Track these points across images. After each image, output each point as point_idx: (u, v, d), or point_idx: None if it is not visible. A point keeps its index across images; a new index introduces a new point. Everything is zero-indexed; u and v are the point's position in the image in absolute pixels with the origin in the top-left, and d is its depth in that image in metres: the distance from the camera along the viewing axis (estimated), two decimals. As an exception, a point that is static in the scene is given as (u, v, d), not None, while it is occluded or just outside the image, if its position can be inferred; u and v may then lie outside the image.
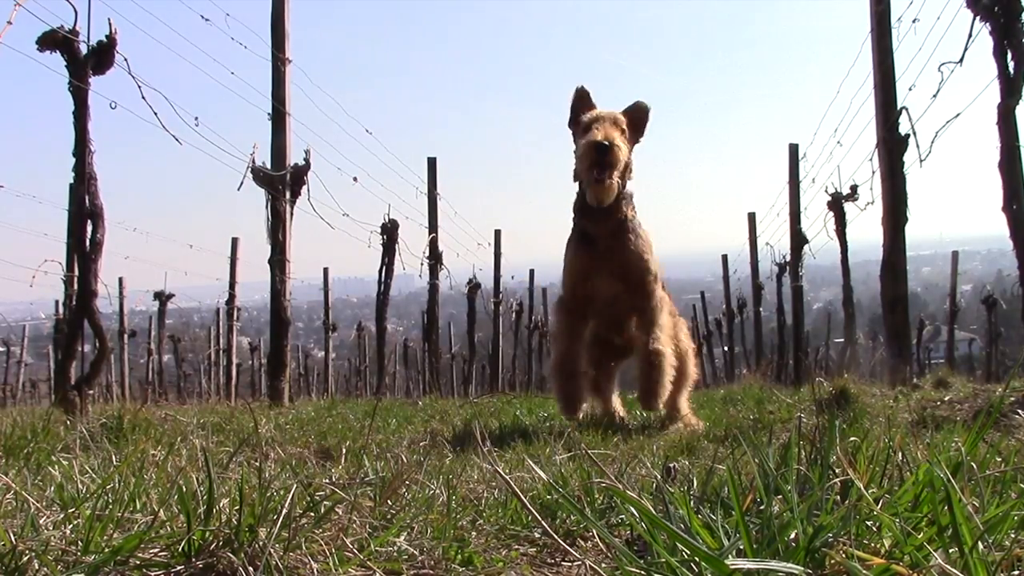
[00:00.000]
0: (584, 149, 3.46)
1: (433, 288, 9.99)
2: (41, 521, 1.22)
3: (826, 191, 7.56)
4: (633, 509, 1.11)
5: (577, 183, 3.73)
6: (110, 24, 3.82)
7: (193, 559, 1.09)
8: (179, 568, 1.08)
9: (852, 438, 1.56)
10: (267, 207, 6.28)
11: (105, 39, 3.83)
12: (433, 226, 10.00)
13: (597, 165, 3.43)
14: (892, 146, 5.83)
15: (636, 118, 3.70)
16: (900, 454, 1.39)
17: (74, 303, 3.92)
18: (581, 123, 3.62)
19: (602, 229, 3.66)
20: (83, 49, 3.80)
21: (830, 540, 1.03)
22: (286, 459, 2.14)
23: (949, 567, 0.88)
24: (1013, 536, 1.05)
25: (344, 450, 1.86)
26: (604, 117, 3.56)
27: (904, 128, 5.76)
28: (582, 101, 3.71)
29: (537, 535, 1.38)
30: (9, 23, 3.59)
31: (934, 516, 1.01)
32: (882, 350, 6.46)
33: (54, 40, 3.73)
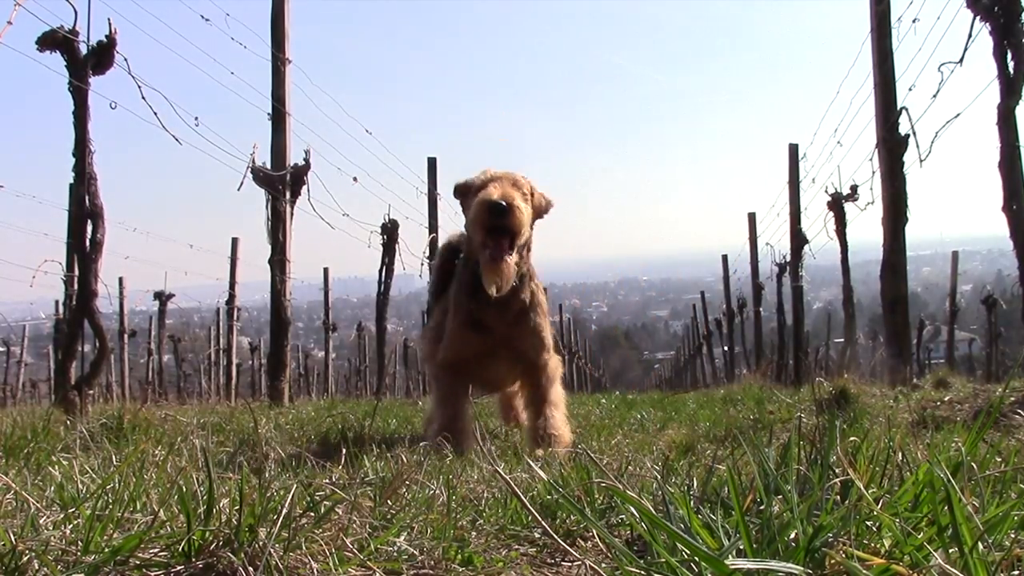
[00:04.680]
0: (477, 209, 2.77)
1: (433, 288, 9.98)
2: (41, 521, 1.22)
3: (826, 191, 7.56)
4: (633, 509, 1.11)
5: (465, 259, 3.17)
6: (110, 24, 3.83)
7: (193, 559, 1.09)
8: (179, 568, 1.08)
9: (852, 438, 1.56)
10: (267, 207, 6.28)
11: (105, 39, 3.83)
12: (433, 226, 10.00)
13: (493, 234, 2.79)
14: (892, 146, 5.84)
15: (537, 192, 3.12)
16: (900, 454, 1.39)
17: (74, 303, 3.92)
18: (472, 186, 2.97)
19: (499, 319, 3.07)
20: (83, 49, 3.80)
21: (830, 540, 1.03)
22: (286, 459, 2.14)
23: (949, 567, 0.88)
24: (1013, 536, 1.05)
25: (344, 450, 1.86)
26: (503, 177, 2.94)
27: (904, 128, 5.76)
28: (465, 187, 3.10)
29: (537, 535, 1.38)
30: (9, 23, 3.59)
31: (934, 516, 1.01)
32: (882, 350, 6.46)
33: (54, 40, 3.73)
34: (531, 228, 3.02)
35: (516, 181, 2.96)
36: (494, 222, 2.76)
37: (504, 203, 2.74)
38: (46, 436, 2.60)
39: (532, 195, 3.04)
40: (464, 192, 3.07)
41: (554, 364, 3.24)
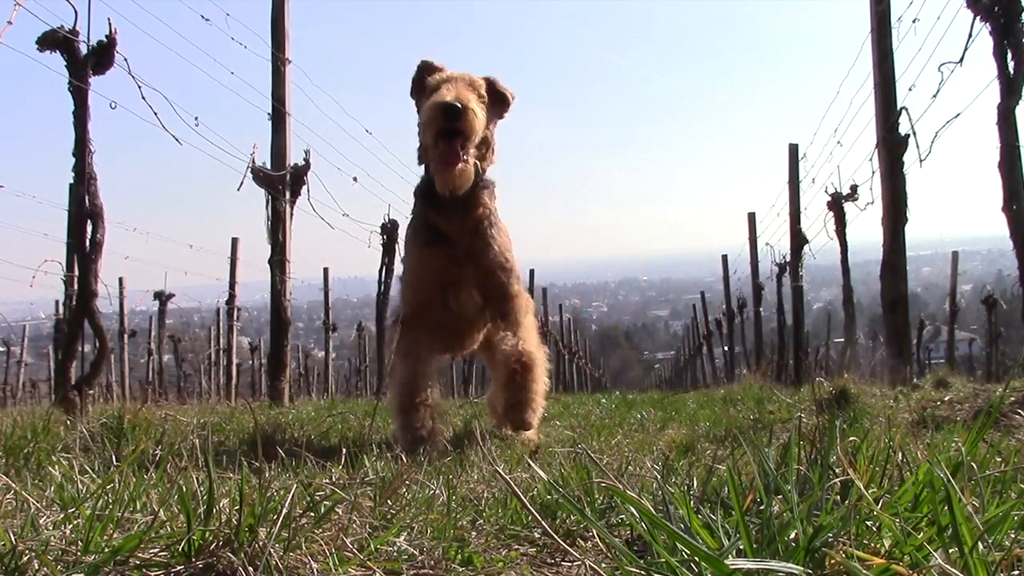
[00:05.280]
0: (429, 112, 2.67)
1: (433, 288, 9.96)
2: (41, 521, 1.22)
3: (826, 191, 7.56)
4: (633, 509, 1.11)
5: (423, 165, 3.00)
6: (110, 24, 3.83)
7: (193, 559, 1.09)
8: (179, 568, 1.08)
9: (852, 438, 1.56)
10: (267, 207, 6.28)
11: (105, 39, 3.83)
12: (433, 226, 9.98)
13: (446, 136, 2.69)
14: (892, 146, 5.83)
15: (497, 88, 3.00)
16: (900, 454, 1.39)
17: (74, 303, 3.92)
18: (427, 87, 2.83)
19: (459, 226, 2.90)
20: (83, 49, 3.80)
21: (830, 540, 1.03)
22: (286, 459, 2.14)
23: (949, 567, 0.88)
24: (1013, 536, 1.05)
25: (344, 450, 1.86)
26: (457, 77, 2.83)
27: (904, 128, 5.76)
28: (428, 70, 2.95)
29: (537, 535, 1.38)
30: (9, 23, 3.59)
31: (934, 516, 1.01)
32: (882, 350, 6.46)
33: (54, 40, 3.73)
34: (492, 127, 2.92)
35: (472, 82, 2.85)
36: (447, 124, 2.66)
37: (458, 104, 2.62)
38: (46, 436, 2.60)
39: (490, 94, 2.91)
40: (419, 90, 2.94)
41: (526, 299, 3.07)
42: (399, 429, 2.82)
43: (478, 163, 2.83)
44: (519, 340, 2.85)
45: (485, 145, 2.90)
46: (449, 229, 2.91)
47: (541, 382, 2.87)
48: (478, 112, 2.71)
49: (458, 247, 2.92)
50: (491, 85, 2.95)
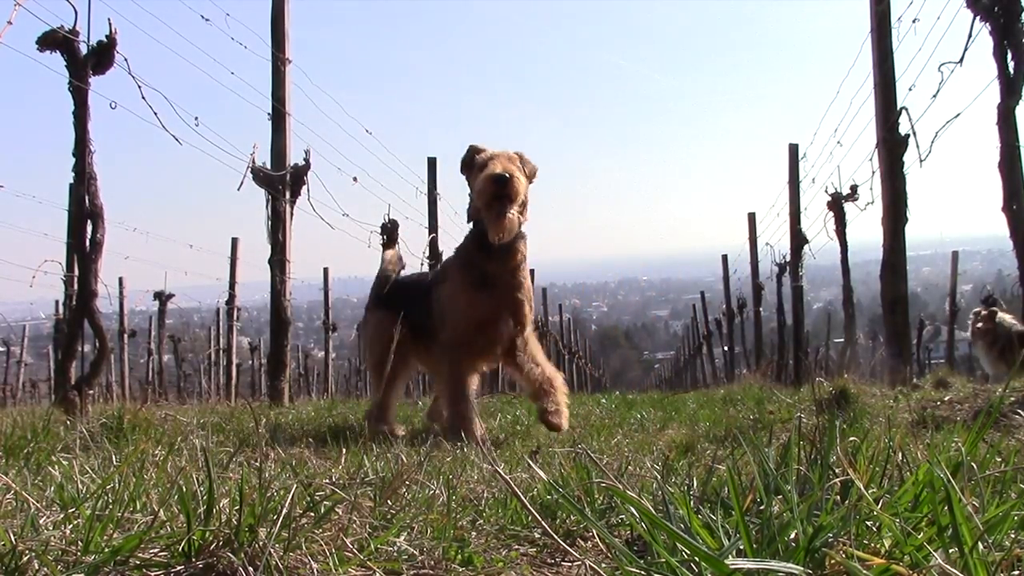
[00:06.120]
0: (483, 183, 3.45)
1: (433, 288, 9.95)
2: (41, 521, 1.22)
3: (826, 191, 7.55)
4: (633, 509, 1.11)
5: (472, 223, 3.75)
6: (110, 24, 3.83)
7: (193, 559, 1.09)
8: (179, 568, 1.08)
9: (852, 438, 1.56)
10: (267, 207, 6.28)
11: (105, 39, 3.83)
12: (433, 226, 9.99)
13: (497, 199, 3.43)
14: (892, 146, 5.83)
15: (524, 159, 3.73)
16: (900, 454, 1.39)
17: (74, 303, 3.92)
18: (476, 163, 3.63)
19: (502, 269, 3.66)
20: (83, 49, 3.80)
21: (830, 540, 1.03)
22: (286, 459, 2.14)
23: (949, 567, 0.88)
24: (1013, 536, 1.05)
25: (344, 450, 1.86)
26: (500, 155, 3.60)
27: (904, 128, 5.76)
28: (475, 151, 3.74)
29: (537, 535, 1.38)
30: (9, 23, 3.59)
31: (934, 516, 1.01)
32: (882, 350, 6.46)
33: (54, 40, 3.73)
34: (526, 191, 3.63)
35: (511, 156, 3.62)
36: (499, 191, 3.42)
37: (506, 175, 3.42)
38: (46, 436, 2.60)
39: (524, 165, 3.67)
40: (469, 167, 3.70)
41: (535, 337, 3.94)
42: (451, 417, 3.59)
43: (519, 217, 3.56)
44: (542, 367, 3.76)
45: (523, 205, 3.61)
46: (495, 271, 3.66)
47: (565, 394, 3.71)
48: (521, 179, 3.51)
49: (500, 285, 3.67)
50: (520, 157, 3.68)
